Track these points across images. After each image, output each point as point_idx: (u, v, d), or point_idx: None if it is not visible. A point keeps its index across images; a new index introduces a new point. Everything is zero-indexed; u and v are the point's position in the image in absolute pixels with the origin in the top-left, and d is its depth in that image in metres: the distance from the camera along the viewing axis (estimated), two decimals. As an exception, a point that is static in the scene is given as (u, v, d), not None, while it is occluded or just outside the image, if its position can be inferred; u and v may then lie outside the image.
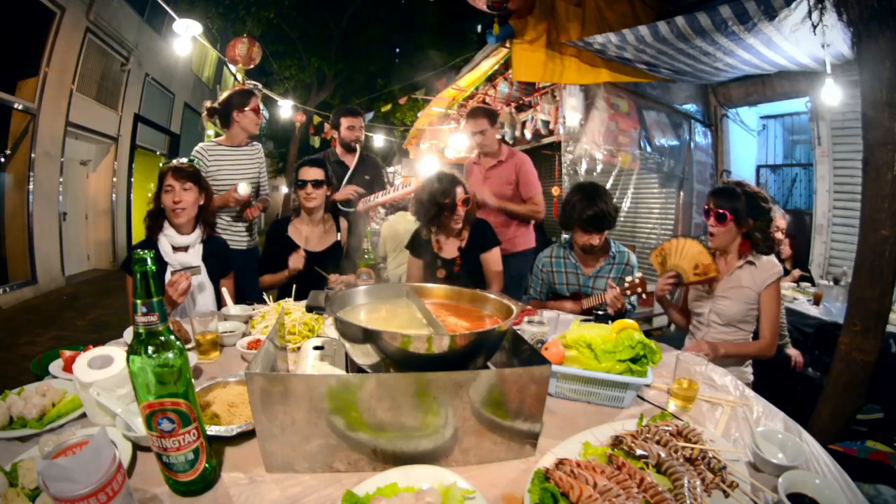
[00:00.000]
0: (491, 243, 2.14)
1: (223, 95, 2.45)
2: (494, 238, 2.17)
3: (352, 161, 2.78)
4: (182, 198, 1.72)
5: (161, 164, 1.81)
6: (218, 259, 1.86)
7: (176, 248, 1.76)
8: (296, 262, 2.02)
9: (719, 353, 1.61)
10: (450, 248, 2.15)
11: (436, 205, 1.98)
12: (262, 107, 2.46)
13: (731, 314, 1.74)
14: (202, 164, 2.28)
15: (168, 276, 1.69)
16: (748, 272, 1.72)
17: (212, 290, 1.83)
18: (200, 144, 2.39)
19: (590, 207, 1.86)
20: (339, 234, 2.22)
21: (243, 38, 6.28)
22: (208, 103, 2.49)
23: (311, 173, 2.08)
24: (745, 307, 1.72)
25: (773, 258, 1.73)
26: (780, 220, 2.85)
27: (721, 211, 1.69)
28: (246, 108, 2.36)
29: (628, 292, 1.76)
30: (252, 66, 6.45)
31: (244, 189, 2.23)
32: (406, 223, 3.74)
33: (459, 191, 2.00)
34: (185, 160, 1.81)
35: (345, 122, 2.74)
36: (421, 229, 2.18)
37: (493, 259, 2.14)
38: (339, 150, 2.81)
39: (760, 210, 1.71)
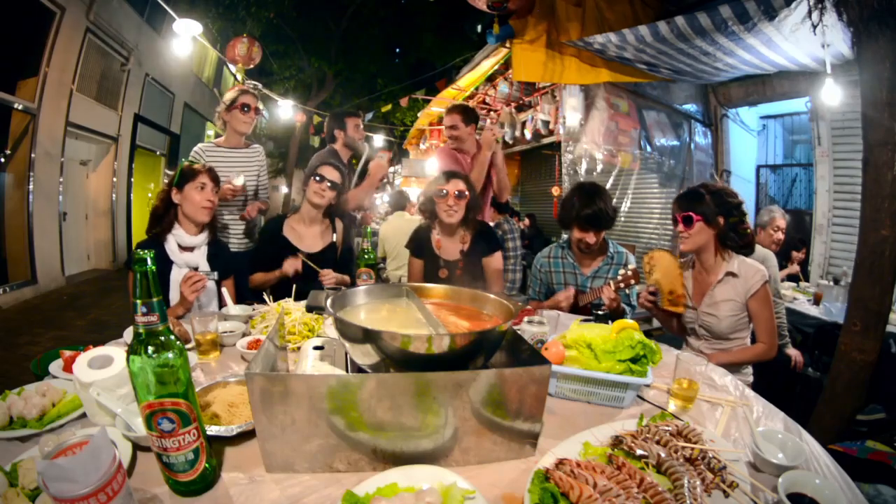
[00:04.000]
0: (494, 248, 2.15)
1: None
2: (497, 243, 2.19)
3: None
4: (213, 197, 1.81)
5: (183, 161, 1.89)
6: (220, 261, 1.89)
7: (182, 248, 1.78)
8: (292, 266, 2.00)
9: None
10: (451, 249, 2.15)
11: (431, 199, 2.07)
12: (260, 106, 2.42)
13: (719, 329, 1.70)
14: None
15: (174, 276, 1.72)
16: (730, 285, 1.66)
17: (215, 293, 1.85)
18: (199, 145, 2.37)
19: (588, 206, 1.88)
20: (334, 235, 2.22)
21: (243, 38, 6.28)
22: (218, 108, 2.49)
23: (334, 174, 2.10)
24: (732, 320, 1.68)
25: (756, 263, 1.66)
26: (780, 220, 2.85)
27: (686, 214, 1.65)
28: (233, 107, 2.31)
29: (622, 285, 1.77)
30: (252, 66, 6.46)
31: (239, 180, 2.23)
32: (405, 222, 3.74)
33: (454, 182, 2.02)
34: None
35: (351, 122, 2.74)
36: (422, 227, 2.22)
37: (494, 262, 2.15)
38: (340, 149, 2.80)
39: (729, 205, 1.64)
